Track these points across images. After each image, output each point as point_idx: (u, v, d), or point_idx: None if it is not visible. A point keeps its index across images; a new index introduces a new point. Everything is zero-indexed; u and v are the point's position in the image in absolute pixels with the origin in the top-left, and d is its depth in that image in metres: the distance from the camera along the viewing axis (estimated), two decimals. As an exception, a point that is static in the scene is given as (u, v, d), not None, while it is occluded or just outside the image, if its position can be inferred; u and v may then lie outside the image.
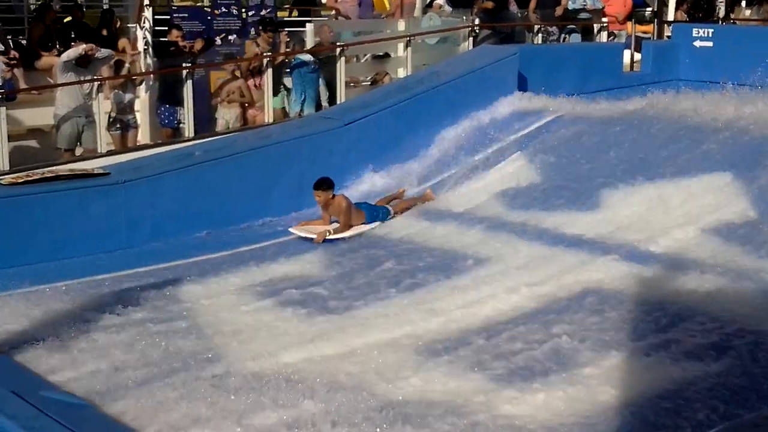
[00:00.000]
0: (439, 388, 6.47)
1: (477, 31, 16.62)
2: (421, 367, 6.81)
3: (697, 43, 16.33)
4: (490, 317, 7.74)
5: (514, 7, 17.96)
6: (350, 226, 10.18)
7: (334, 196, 10.29)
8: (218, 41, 15.29)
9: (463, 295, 8.14)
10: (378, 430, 5.78)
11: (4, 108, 11.29)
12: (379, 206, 10.64)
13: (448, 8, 17.42)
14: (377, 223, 10.40)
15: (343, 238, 10.01)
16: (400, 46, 15.99)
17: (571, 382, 6.48)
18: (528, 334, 7.32)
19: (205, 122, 13.68)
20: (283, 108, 14.46)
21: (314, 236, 9.94)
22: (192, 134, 13.01)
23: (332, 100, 14.62)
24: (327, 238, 9.91)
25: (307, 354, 7.02)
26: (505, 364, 6.81)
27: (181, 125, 13.35)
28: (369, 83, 16.38)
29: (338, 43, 14.76)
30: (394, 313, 7.80)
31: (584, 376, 6.57)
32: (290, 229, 10.22)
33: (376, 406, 6.07)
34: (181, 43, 14.13)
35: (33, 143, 12.95)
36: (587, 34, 18.00)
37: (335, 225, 10.24)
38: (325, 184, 10.27)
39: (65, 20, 16.21)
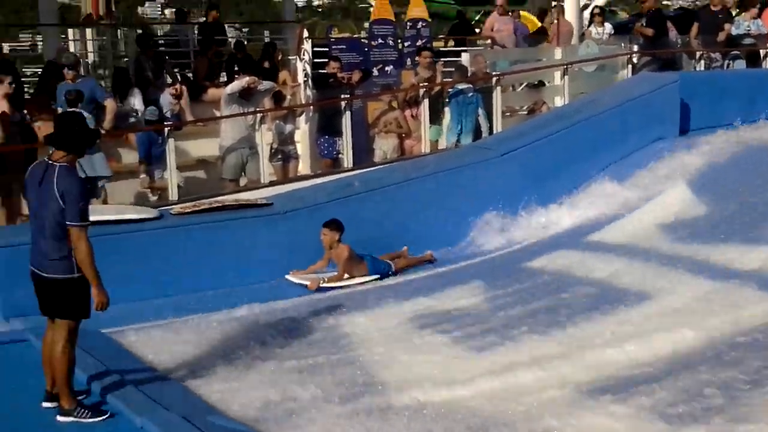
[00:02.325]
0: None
1: (636, 58, 16.29)
2: (585, 405, 6.64)
3: None
4: (657, 357, 7.43)
5: (674, 34, 17.50)
6: (348, 276, 10.03)
7: (339, 241, 10.05)
8: (375, 72, 15.50)
9: (628, 333, 7.86)
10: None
11: (172, 140, 11.70)
12: (382, 260, 10.42)
13: (606, 34, 17.15)
14: (374, 277, 10.16)
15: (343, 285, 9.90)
16: (557, 74, 15.83)
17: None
18: (698, 375, 6.99)
19: (363, 153, 13.86)
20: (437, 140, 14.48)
21: (308, 283, 9.79)
22: (351, 165, 13.18)
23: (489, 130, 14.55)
24: (321, 285, 9.77)
25: (474, 389, 6.95)
26: (676, 407, 6.49)
27: (340, 156, 13.56)
28: (525, 112, 16.26)
29: (494, 72, 14.72)
30: (557, 350, 7.63)
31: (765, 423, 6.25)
32: (287, 277, 10.03)
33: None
34: (339, 75, 14.38)
35: (200, 174, 13.40)
36: (753, 60, 17.37)
37: (331, 273, 10.07)
38: (333, 225, 10.05)
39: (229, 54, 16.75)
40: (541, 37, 18.02)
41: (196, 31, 17.51)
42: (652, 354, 7.45)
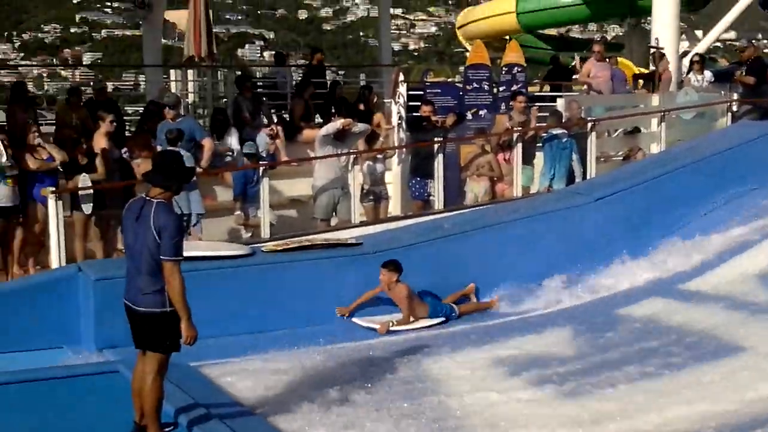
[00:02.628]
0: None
1: (736, 106, 15.98)
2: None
3: None
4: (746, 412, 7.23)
5: (775, 82, 17.15)
6: (414, 318, 9.86)
7: (398, 281, 9.90)
8: (469, 116, 15.50)
9: (729, 385, 7.68)
10: None
11: (267, 179, 11.87)
12: (445, 303, 10.22)
13: (706, 82, 16.88)
14: (440, 320, 9.97)
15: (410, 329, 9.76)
16: (654, 121, 15.61)
17: None
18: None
19: (454, 195, 13.85)
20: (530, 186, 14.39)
21: (377, 327, 9.63)
22: (441, 207, 13.18)
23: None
24: (390, 329, 9.62)
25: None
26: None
27: (431, 198, 13.57)
28: (621, 158, 16.06)
29: (589, 118, 14.59)
30: (662, 397, 7.49)
31: None
32: (353, 320, 9.90)
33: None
34: (433, 118, 14.43)
35: (292, 212, 13.55)
36: None
37: (398, 316, 9.89)
38: (392, 265, 9.93)
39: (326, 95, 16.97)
40: (646, 82, 17.78)
41: (293, 74, 17.81)
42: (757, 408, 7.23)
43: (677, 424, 7.02)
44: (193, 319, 6.33)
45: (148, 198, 6.36)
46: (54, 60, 70.68)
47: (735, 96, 16.18)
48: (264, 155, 13.35)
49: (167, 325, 6.28)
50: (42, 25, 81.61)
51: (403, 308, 9.84)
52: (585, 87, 17.49)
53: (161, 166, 6.49)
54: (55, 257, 10.11)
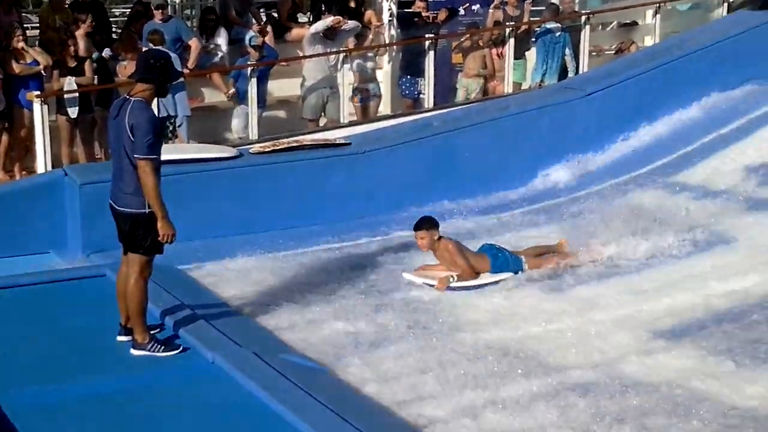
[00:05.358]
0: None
1: (733, -4, 15.75)
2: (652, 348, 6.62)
3: None
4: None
5: (774, -29, 16.81)
6: (476, 273, 8.31)
7: (440, 237, 8.34)
8: (461, 11, 15.24)
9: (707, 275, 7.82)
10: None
11: (255, 80, 11.73)
12: (512, 254, 8.51)
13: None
14: (506, 275, 8.32)
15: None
16: (649, 13, 15.37)
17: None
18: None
19: (446, 93, 13.71)
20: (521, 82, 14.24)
21: (434, 283, 8.16)
22: (432, 105, 13.07)
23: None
24: (450, 285, 8.13)
25: (539, 330, 7.02)
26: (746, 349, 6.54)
27: (421, 96, 13.44)
28: (613, 52, 15.86)
29: (583, 11, 14.36)
30: (632, 290, 7.67)
31: None
32: (404, 275, 8.32)
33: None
34: (424, 14, 14.19)
35: (281, 113, 13.42)
36: None
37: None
38: (426, 224, 8.33)
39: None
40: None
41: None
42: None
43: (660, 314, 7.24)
44: (179, 222, 6.31)
45: (128, 97, 6.29)
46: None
47: (732, -14, 15.91)
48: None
49: (147, 226, 6.24)
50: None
51: (458, 265, 8.24)
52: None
53: (143, 63, 6.40)
54: (41, 162, 10.07)
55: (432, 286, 8.10)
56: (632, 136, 11.79)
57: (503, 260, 8.34)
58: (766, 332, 6.83)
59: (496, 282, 8.21)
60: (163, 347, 6.39)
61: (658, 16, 14.91)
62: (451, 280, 8.12)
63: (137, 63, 6.59)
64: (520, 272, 8.34)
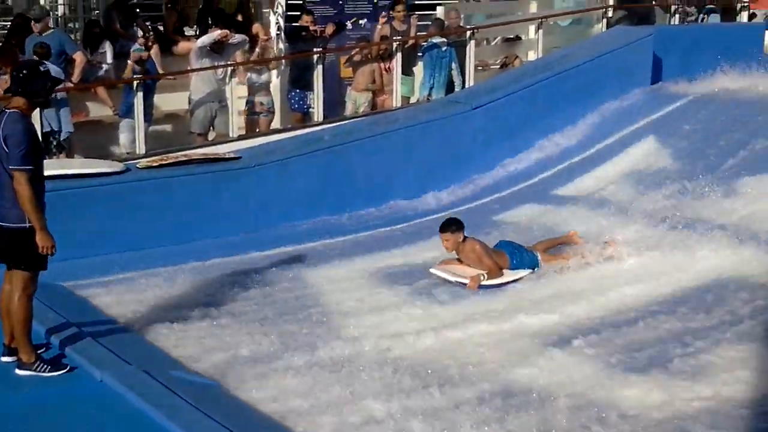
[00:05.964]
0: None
1: (611, 12, 16.20)
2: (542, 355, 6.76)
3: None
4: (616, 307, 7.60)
5: (650, -13, 17.44)
6: (501, 270, 8.52)
7: (465, 238, 8.59)
8: (349, 25, 15.35)
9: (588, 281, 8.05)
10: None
11: (141, 93, 11.58)
12: (528, 251, 8.74)
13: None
14: (527, 272, 8.58)
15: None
16: (532, 28, 15.74)
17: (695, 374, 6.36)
18: (658, 324, 7.21)
19: (334, 106, 13.76)
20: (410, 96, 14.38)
21: (466, 281, 8.32)
22: (321, 119, 13.11)
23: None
24: (482, 283, 8.32)
25: (433, 340, 7.09)
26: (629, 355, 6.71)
27: (310, 110, 13.47)
28: (498, 66, 16.17)
29: (468, 26, 14.60)
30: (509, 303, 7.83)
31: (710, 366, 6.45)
32: (432, 270, 8.54)
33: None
34: (312, 28, 14.23)
35: (168, 128, 13.26)
36: (727, 13, 17.33)
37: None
38: (453, 225, 8.57)
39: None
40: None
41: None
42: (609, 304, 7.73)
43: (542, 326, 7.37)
44: (64, 238, 6.22)
45: (4, 109, 6.18)
46: None
47: (610, 2, 16.37)
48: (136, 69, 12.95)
49: (28, 242, 6.10)
50: None
51: (485, 265, 8.43)
52: (465, -5, 17.48)
53: (17, 75, 6.28)
54: None
55: (464, 285, 8.27)
56: (517, 149, 12.00)
57: (520, 257, 8.60)
58: (646, 339, 7.04)
59: (518, 279, 8.44)
60: (49, 367, 6.24)
61: (540, 31, 15.27)
62: (482, 278, 8.31)
63: (11, 76, 6.45)
64: (536, 268, 8.59)
